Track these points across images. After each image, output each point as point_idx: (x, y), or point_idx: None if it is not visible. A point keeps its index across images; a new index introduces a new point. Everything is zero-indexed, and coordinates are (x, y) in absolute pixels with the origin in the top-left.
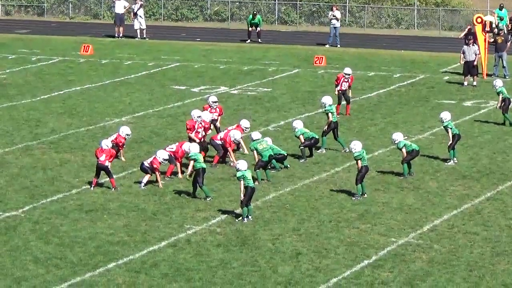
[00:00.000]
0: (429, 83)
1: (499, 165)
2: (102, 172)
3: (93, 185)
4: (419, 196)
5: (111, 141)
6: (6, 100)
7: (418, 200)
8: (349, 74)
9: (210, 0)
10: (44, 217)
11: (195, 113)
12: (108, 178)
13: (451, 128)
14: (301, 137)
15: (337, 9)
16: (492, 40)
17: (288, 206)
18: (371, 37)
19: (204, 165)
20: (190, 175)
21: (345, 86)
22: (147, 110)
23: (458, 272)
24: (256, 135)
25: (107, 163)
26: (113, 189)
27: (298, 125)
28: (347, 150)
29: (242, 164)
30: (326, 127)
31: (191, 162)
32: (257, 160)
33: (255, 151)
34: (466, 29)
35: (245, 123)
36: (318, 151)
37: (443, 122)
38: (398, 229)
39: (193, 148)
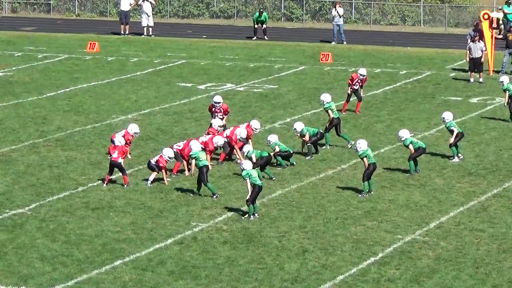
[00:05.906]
0: (435, 79)
1: (506, 162)
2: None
3: (106, 182)
4: (426, 193)
5: None
6: (12, 97)
7: (424, 197)
8: (363, 75)
9: None
10: (50, 215)
11: (219, 140)
12: (120, 174)
13: (455, 127)
14: (307, 135)
15: (340, 6)
16: (500, 36)
17: (294, 203)
18: (377, 34)
19: (206, 163)
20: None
21: (357, 85)
22: (153, 108)
23: (464, 269)
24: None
25: (120, 160)
26: (126, 185)
27: (300, 126)
28: (352, 143)
29: (246, 164)
30: (328, 123)
31: (193, 161)
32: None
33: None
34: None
35: (255, 123)
36: (323, 147)
37: (445, 122)
38: (404, 226)
39: (194, 147)
